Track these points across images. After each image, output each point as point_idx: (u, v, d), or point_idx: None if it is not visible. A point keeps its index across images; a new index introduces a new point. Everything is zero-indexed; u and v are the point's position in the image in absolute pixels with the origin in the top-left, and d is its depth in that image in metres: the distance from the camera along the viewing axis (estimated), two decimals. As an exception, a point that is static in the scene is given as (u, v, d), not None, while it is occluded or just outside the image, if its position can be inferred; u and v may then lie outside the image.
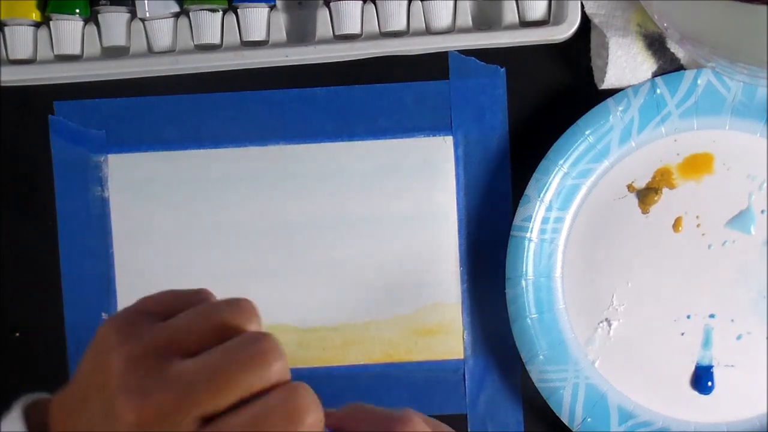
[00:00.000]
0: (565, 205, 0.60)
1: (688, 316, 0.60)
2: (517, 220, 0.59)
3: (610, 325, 0.60)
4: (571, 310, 0.60)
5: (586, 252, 0.60)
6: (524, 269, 0.59)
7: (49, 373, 0.62)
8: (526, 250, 0.59)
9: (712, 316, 0.60)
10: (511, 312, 0.59)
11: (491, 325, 0.61)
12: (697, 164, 0.60)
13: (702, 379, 0.60)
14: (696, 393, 0.60)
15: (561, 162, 0.59)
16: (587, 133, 0.59)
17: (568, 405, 0.59)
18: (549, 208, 0.59)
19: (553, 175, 0.59)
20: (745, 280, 0.60)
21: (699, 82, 0.58)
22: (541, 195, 0.59)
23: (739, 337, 0.60)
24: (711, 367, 0.60)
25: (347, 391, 0.62)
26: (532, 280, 0.59)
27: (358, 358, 0.62)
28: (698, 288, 0.60)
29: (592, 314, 0.60)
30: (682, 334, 0.60)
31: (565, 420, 0.59)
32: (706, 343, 0.60)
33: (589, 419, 0.59)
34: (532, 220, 0.59)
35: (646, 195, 0.60)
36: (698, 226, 0.60)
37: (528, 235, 0.59)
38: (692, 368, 0.60)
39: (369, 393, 0.62)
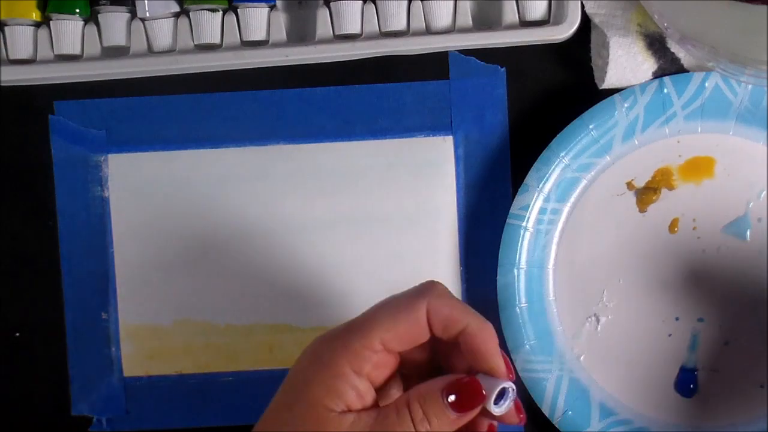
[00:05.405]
0: (564, 197, 0.60)
1: (677, 318, 0.60)
2: (515, 209, 0.59)
3: (598, 320, 0.60)
4: (560, 303, 0.60)
5: (581, 246, 0.60)
6: (517, 258, 0.59)
7: (49, 373, 0.62)
8: (520, 238, 0.59)
9: (700, 320, 0.60)
10: (501, 299, 0.59)
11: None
12: (698, 167, 0.60)
13: (685, 382, 0.60)
14: (678, 395, 0.60)
15: (562, 154, 0.59)
16: (591, 127, 0.58)
17: (550, 397, 0.59)
18: (547, 199, 0.59)
19: (553, 167, 0.59)
20: (736, 287, 0.60)
21: (707, 84, 0.58)
22: (540, 185, 0.59)
23: (726, 343, 0.60)
24: (695, 370, 0.60)
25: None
26: (525, 270, 0.59)
27: (358, 358, 0.62)
28: (689, 291, 0.60)
29: (582, 308, 0.60)
30: (670, 335, 0.60)
31: (546, 412, 0.59)
32: (693, 346, 0.60)
33: (570, 413, 0.59)
34: (530, 209, 0.59)
35: (644, 194, 0.60)
36: (694, 228, 0.60)
37: (524, 224, 0.59)
38: (676, 370, 0.60)
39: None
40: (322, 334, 0.47)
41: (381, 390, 0.48)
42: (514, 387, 0.46)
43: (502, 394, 0.45)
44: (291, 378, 0.47)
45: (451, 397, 0.45)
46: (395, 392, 0.49)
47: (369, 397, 0.46)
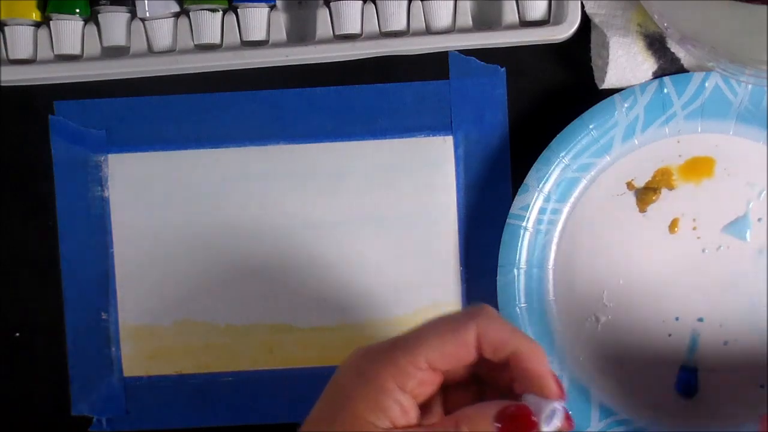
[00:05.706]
0: (564, 197, 0.60)
1: (677, 318, 0.60)
2: (515, 209, 0.59)
3: (598, 320, 0.60)
4: (560, 303, 0.60)
5: (580, 246, 0.60)
6: (517, 258, 0.59)
7: (49, 373, 0.62)
8: (520, 238, 0.59)
9: (700, 319, 0.60)
10: (501, 299, 0.59)
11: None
12: (698, 167, 0.60)
13: (685, 382, 0.60)
14: (678, 395, 0.60)
15: (563, 154, 0.59)
16: (591, 127, 0.58)
17: None
18: (547, 199, 0.59)
19: (553, 167, 0.59)
20: (736, 287, 0.60)
21: (707, 84, 0.58)
22: (540, 185, 0.59)
23: (725, 343, 0.60)
24: (695, 370, 0.60)
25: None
26: (525, 270, 0.59)
27: (358, 358, 0.62)
28: (689, 291, 0.60)
29: (582, 309, 0.60)
30: (669, 335, 0.60)
31: None
32: (693, 346, 0.60)
33: (570, 413, 0.59)
34: (530, 209, 0.59)
35: (644, 194, 0.60)
36: (694, 228, 0.60)
37: (524, 224, 0.59)
38: (677, 370, 0.60)
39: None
40: (363, 347, 0.47)
41: (422, 406, 0.47)
42: (563, 404, 0.46)
43: (551, 412, 0.45)
44: (331, 391, 0.46)
45: (501, 425, 0.45)
46: (436, 407, 0.48)
47: (413, 413, 0.46)
